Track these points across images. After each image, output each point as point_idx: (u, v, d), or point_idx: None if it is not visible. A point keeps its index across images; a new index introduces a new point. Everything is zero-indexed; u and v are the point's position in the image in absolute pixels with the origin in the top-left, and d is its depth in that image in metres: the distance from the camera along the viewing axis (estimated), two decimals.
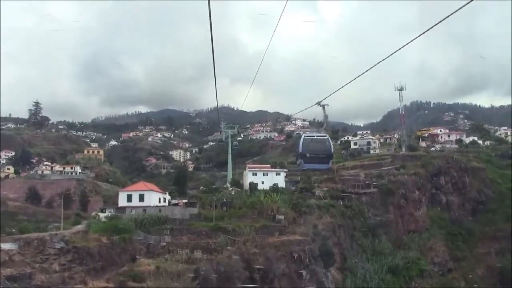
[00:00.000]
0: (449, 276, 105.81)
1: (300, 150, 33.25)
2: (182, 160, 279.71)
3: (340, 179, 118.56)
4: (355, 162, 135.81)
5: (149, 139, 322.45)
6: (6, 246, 56.66)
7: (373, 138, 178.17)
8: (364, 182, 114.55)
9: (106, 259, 62.91)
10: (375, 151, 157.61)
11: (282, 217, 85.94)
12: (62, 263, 58.14)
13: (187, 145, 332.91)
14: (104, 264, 61.58)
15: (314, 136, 33.74)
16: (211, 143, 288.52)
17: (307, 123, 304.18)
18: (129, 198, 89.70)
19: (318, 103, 28.68)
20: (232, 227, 78.47)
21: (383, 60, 18.50)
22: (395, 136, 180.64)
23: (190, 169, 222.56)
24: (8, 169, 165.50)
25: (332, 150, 35.07)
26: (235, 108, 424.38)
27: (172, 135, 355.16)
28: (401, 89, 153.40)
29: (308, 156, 32.93)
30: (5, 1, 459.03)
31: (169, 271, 60.69)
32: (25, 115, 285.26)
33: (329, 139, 33.83)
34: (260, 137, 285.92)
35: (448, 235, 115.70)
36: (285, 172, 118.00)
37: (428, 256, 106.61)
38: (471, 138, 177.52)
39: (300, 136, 35.47)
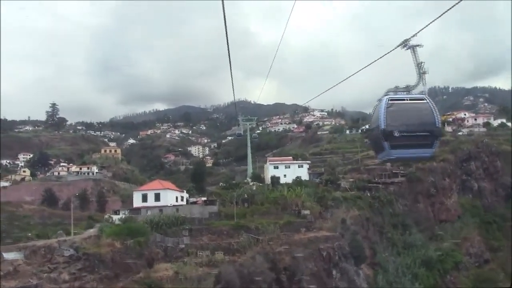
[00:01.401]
0: (486, 268, 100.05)
1: (382, 126, 19.64)
2: (200, 156, 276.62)
3: (365, 169, 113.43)
4: None
5: (167, 136, 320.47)
6: (9, 256, 52.41)
7: None
8: (391, 171, 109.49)
9: (120, 265, 58.85)
10: None
11: (307, 212, 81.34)
12: (72, 272, 54.26)
13: (205, 141, 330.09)
14: (117, 271, 57.65)
15: (404, 99, 20.60)
16: (230, 138, 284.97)
17: (326, 113, 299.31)
18: (144, 198, 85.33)
19: (404, 44, 19.78)
20: (255, 225, 74.18)
21: (402, 43, 18.95)
22: None
23: (209, 165, 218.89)
24: (24, 171, 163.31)
25: (439, 122, 21.19)
26: (252, 102, 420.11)
27: (190, 131, 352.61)
28: (424, 73, 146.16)
29: (396, 135, 19.44)
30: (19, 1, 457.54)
31: (188, 276, 56.81)
32: (43, 117, 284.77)
33: (432, 102, 20.86)
34: (278, 129, 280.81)
35: (482, 223, 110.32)
36: (308, 163, 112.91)
37: (462, 247, 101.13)
38: (499, 121, 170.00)
39: (380, 101, 21.01)
